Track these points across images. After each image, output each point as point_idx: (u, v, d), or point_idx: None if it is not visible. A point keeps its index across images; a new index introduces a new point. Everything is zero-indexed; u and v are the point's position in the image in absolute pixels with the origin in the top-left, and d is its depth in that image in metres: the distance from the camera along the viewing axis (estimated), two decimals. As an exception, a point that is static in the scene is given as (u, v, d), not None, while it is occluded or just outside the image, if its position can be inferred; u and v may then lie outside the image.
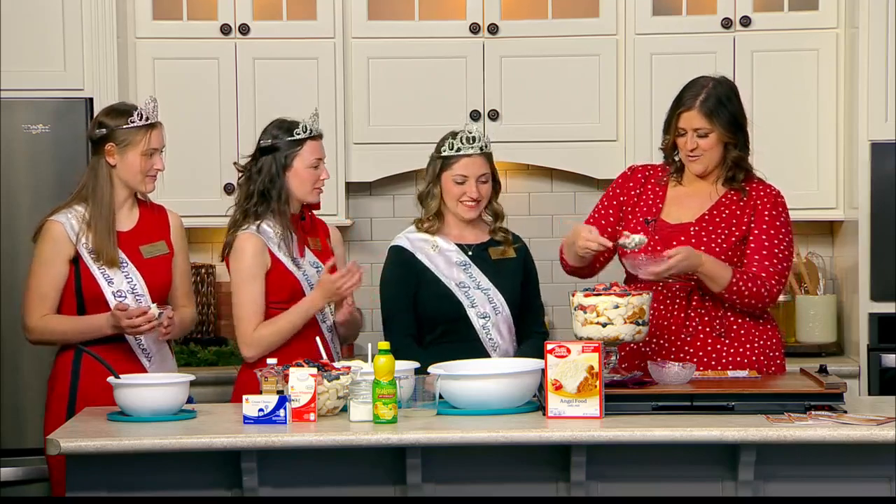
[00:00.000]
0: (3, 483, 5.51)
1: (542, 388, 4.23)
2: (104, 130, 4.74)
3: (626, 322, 4.32)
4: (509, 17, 5.95)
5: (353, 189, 6.15)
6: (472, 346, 4.79)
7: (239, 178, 4.97)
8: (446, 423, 4.12)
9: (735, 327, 4.68)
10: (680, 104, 4.71)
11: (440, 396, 4.24)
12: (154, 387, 4.30)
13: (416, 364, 4.41)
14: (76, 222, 4.72)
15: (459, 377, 4.27)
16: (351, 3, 5.92)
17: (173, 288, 4.85)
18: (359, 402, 4.17)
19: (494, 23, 5.93)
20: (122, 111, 4.78)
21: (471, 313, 4.85)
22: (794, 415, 4.13)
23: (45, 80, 5.63)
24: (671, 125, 4.73)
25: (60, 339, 4.74)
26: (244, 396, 4.18)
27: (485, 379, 4.27)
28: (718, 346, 4.66)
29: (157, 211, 4.90)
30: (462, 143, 4.86)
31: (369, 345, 4.34)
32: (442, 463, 4.07)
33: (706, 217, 4.71)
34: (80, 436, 4.06)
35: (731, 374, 4.54)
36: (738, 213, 4.71)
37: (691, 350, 4.65)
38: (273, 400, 4.13)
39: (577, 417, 4.12)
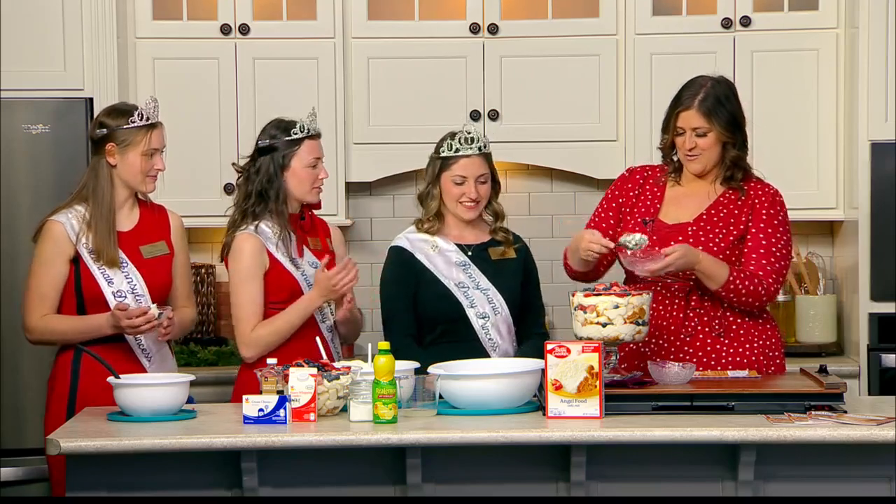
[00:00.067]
0: (3, 483, 5.51)
1: (542, 388, 4.23)
2: (105, 130, 4.74)
3: (626, 322, 4.32)
4: (509, 17, 5.95)
5: (353, 189, 6.15)
6: (471, 346, 4.79)
7: (238, 179, 4.97)
8: (446, 423, 4.12)
9: (734, 327, 4.68)
10: (678, 103, 4.71)
11: (440, 396, 4.24)
12: (154, 387, 4.30)
13: (416, 364, 4.41)
14: (76, 222, 4.72)
15: (459, 377, 4.27)
16: (351, 3, 5.92)
17: (173, 288, 4.85)
18: (359, 402, 4.17)
19: (494, 23, 5.93)
20: (122, 111, 4.78)
21: (470, 313, 4.85)
22: (794, 415, 4.13)
23: (45, 80, 5.62)
24: (670, 124, 4.73)
25: (60, 339, 4.74)
26: (244, 396, 4.18)
27: (485, 379, 4.27)
28: (718, 346, 4.67)
29: (158, 211, 4.90)
30: (461, 144, 4.86)
31: (369, 345, 4.34)
32: (442, 463, 4.07)
33: (704, 216, 4.71)
34: (80, 436, 4.06)
35: (731, 374, 4.54)
36: (736, 212, 4.71)
37: (691, 350, 4.66)
38: (273, 400, 4.13)
39: (577, 417, 4.12)
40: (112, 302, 4.69)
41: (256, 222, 4.84)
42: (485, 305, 4.86)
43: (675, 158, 4.79)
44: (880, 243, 5.60)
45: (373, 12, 5.95)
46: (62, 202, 4.81)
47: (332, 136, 5.83)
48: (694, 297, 4.68)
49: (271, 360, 4.35)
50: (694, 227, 4.70)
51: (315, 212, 5.02)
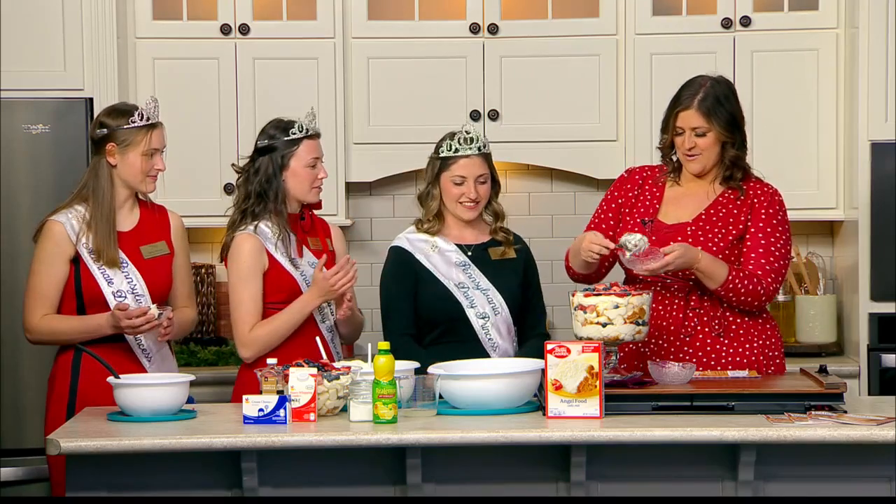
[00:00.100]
0: (3, 483, 5.51)
1: (542, 388, 4.23)
2: (105, 130, 4.74)
3: (626, 322, 4.33)
4: (509, 17, 5.95)
5: (353, 189, 6.15)
6: (471, 347, 4.79)
7: (238, 179, 4.97)
8: (446, 423, 4.12)
9: (734, 327, 4.68)
10: (678, 103, 4.71)
11: (440, 396, 4.24)
12: (154, 387, 4.30)
13: (416, 364, 4.41)
14: (76, 222, 4.72)
15: (459, 377, 4.27)
16: (351, 3, 5.92)
17: (174, 288, 4.85)
18: (359, 402, 4.17)
19: (494, 23, 5.93)
20: (123, 111, 4.79)
21: (470, 314, 4.85)
22: (794, 415, 4.13)
23: (45, 80, 5.62)
24: (669, 124, 4.73)
25: (60, 339, 4.74)
26: (244, 396, 4.18)
27: (485, 379, 4.27)
28: (718, 346, 4.67)
29: (158, 211, 4.90)
30: (460, 144, 4.86)
31: (369, 345, 4.34)
32: (442, 463, 4.07)
33: (703, 216, 4.71)
34: (80, 436, 4.06)
35: (731, 374, 4.54)
36: (736, 211, 4.71)
37: (690, 350, 4.66)
38: (273, 400, 4.13)
39: (577, 417, 4.12)
40: (112, 302, 4.69)
41: (256, 222, 4.84)
42: (485, 306, 4.86)
43: (674, 158, 4.80)
44: (880, 243, 5.60)
45: (373, 12, 5.95)
46: (62, 202, 4.81)
47: (332, 136, 5.83)
48: (693, 297, 4.69)
49: (271, 360, 4.35)
50: (693, 227, 4.70)
51: (315, 212, 5.02)
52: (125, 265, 4.74)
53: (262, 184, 4.85)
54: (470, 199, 4.87)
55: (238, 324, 4.80)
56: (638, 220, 4.74)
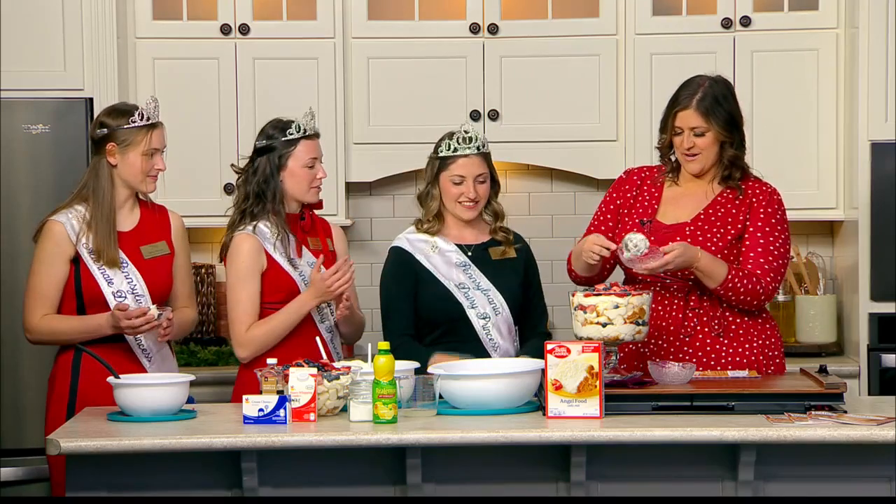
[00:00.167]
0: (3, 483, 5.51)
1: (542, 388, 4.23)
2: (105, 130, 4.74)
3: (626, 322, 4.33)
4: (509, 17, 5.95)
5: (353, 189, 6.15)
6: (472, 347, 4.79)
7: (237, 180, 4.97)
8: (446, 423, 4.12)
9: (734, 327, 4.69)
10: (676, 103, 4.71)
11: (440, 396, 4.24)
12: (154, 387, 4.30)
13: (416, 364, 4.41)
14: (77, 222, 4.72)
15: (459, 377, 4.27)
16: (351, 3, 5.92)
17: (174, 288, 4.85)
18: (359, 402, 4.17)
19: (494, 23, 5.93)
20: (123, 111, 4.79)
21: (471, 314, 4.85)
22: (794, 415, 4.13)
23: (45, 80, 5.62)
24: (668, 124, 4.74)
25: (61, 339, 4.74)
26: (244, 396, 4.18)
27: (485, 379, 4.27)
28: (717, 346, 4.67)
29: (159, 211, 4.90)
30: (459, 144, 4.86)
31: (369, 345, 4.34)
32: (442, 463, 4.07)
33: (702, 216, 4.71)
34: (80, 436, 4.05)
35: (731, 374, 4.54)
36: (734, 211, 4.71)
37: (690, 350, 4.66)
38: (273, 400, 4.13)
39: (577, 417, 4.12)
40: (112, 302, 4.69)
41: (255, 222, 4.84)
42: (485, 306, 4.86)
43: (672, 158, 4.80)
44: (880, 243, 5.60)
45: (373, 12, 5.95)
46: (62, 202, 4.81)
47: (332, 136, 5.84)
48: (693, 297, 4.69)
49: (271, 360, 4.35)
50: (692, 227, 4.70)
51: (315, 212, 5.02)
52: (125, 265, 4.74)
53: (260, 184, 4.85)
54: (469, 199, 4.86)
55: (235, 324, 4.81)
56: (637, 220, 4.74)
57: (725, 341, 4.67)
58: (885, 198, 5.58)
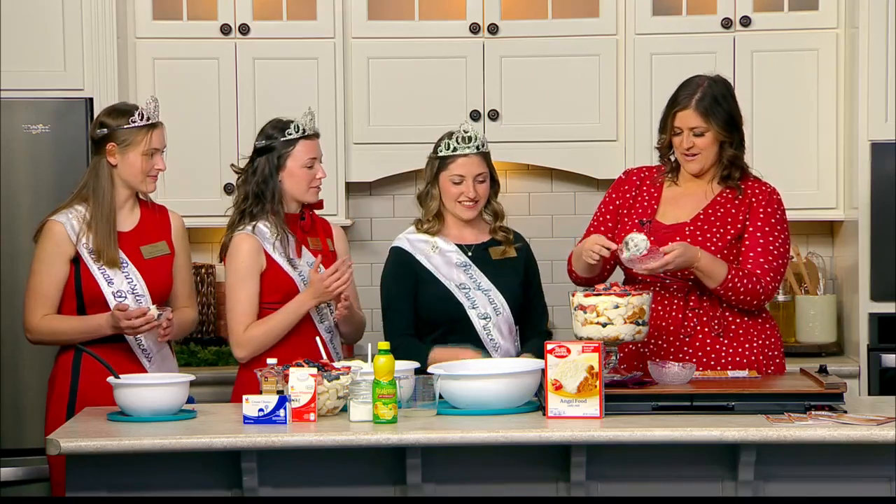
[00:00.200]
0: (3, 483, 5.51)
1: (542, 388, 4.23)
2: (105, 130, 4.74)
3: (626, 322, 4.32)
4: (509, 17, 5.95)
5: (353, 189, 6.15)
6: (473, 347, 4.78)
7: (237, 180, 4.97)
8: (446, 423, 4.12)
9: (734, 327, 4.69)
10: (675, 103, 4.71)
11: (440, 396, 4.24)
12: (154, 387, 4.30)
13: (416, 364, 4.41)
14: (77, 222, 4.72)
15: (459, 377, 4.27)
16: (351, 3, 5.92)
17: (174, 289, 4.85)
18: (359, 402, 4.17)
19: (494, 23, 5.93)
20: (123, 111, 4.79)
21: (471, 314, 4.84)
22: (794, 415, 4.13)
23: (45, 80, 5.62)
24: (667, 124, 4.74)
25: (61, 339, 4.74)
26: (244, 396, 4.18)
27: (485, 379, 4.27)
28: (717, 346, 4.67)
29: (159, 211, 4.90)
30: (458, 143, 4.86)
31: (369, 345, 4.34)
32: (442, 463, 4.07)
33: (701, 216, 4.71)
34: (80, 436, 4.05)
35: (731, 374, 4.54)
36: (734, 211, 4.71)
37: (690, 350, 4.66)
38: (273, 400, 4.13)
39: (577, 417, 4.12)
40: (112, 302, 4.69)
41: (254, 223, 4.84)
42: (486, 306, 4.86)
43: (672, 158, 4.80)
44: (880, 243, 5.60)
45: (373, 12, 5.95)
46: (62, 202, 4.81)
47: (332, 136, 5.84)
48: (693, 297, 4.69)
49: (271, 360, 4.35)
50: (691, 227, 4.70)
51: (316, 212, 5.02)
52: (125, 265, 4.74)
53: (259, 184, 4.86)
54: (469, 199, 4.86)
55: (233, 323, 4.81)
56: (636, 220, 4.74)
57: (725, 341, 4.67)
58: (885, 198, 5.58)
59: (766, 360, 4.70)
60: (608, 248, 4.55)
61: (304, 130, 4.87)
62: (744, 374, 4.53)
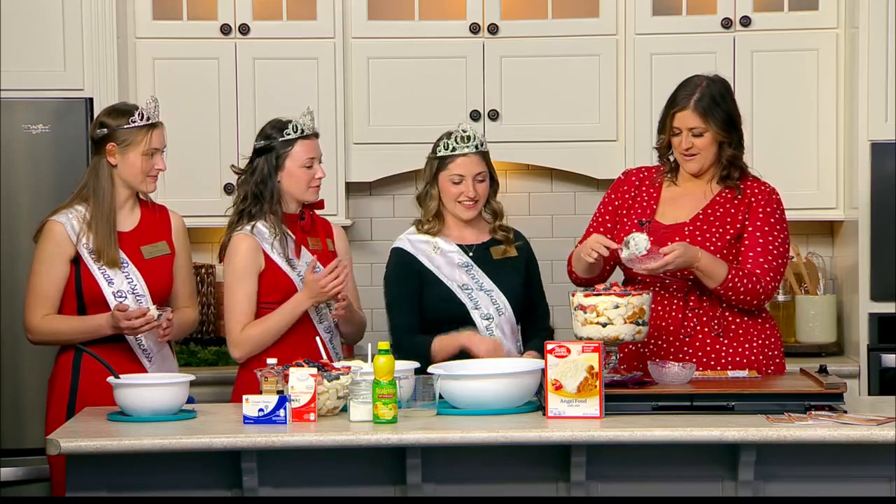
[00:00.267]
0: (3, 483, 5.51)
1: (542, 387, 4.23)
2: (105, 130, 4.74)
3: (626, 322, 4.33)
4: (509, 17, 5.95)
5: (353, 189, 6.15)
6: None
7: (238, 180, 4.98)
8: (446, 423, 4.12)
9: (734, 327, 4.69)
10: (674, 104, 4.71)
11: (440, 396, 4.24)
12: (154, 387, 4.30)
13: (416, 364, 4.41)
14: (77, 222, 4.72)
15: (459, 377, 4.27)
16: (351, 3, 5.92)
17: (175, 289, 4.85)
18: (359, 402, 4.17)
19: (494, 23, 5.93)
20: (123, 111, 4.79)
21: (474, 315, 4.84)
22: (794, 415, 4.13)
23: (45, 80, 5.62)
24: (665, 125, 4.74)
25: (61, 340, 4.74)
26: (244, 396, 4.18)
27: (485, 379, 4.27)
28: (717, 346, 4.67)
29: (159, 211, 4.90)
30: (457, 143, 4.86)
31: (369, 345, 4.34)
32: (442, 463, 4.07)
33: (700, 216, 4.71)
34: (80, 436, 4.05)
35: (731, 374, 4.54)
36: (733, 211, 4.71)
37: (690, 350, 4.66)
38: (273, 400, 4.13)
39: (577, 417, 4.12)
40: (112, 302, 4.69)
41: (253, 223, 4.84)
42: (489, 307, 4.85)
43: (671, 158, 4.80)
44: (880, 243, 5.60)
45: (373, 12, 5.95)
46: (62, 202, 4.81)
47: (332, 136, 5.84)
48: (693, 297, 4.69)
49: (271, 360, 4.35)
50: (691, 227, 4.70)
51: (316, 211, 5.02)
52: (125, 265, 4.74)
53: (258, 184, 4.86)
54: (469, 198, 4.86)
55: (231, 323, 4.81)
56: (636, 221, 4.74)
57: (725, 341, 4.67)
58: (885, 198, 5.58)
59: (766, 360, 4.70)
60: (608, 248, 4.55)
61: (302, 130, 4.87)
62: (744, 374, 4.53)
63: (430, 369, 4.31)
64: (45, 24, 5.62)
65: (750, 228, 4.69)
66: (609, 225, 4.81)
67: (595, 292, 4.37)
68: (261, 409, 4.13)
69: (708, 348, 4.66)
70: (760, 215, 4.69)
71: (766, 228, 4.68)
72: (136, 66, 5.84)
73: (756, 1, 5.87)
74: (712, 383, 4.38)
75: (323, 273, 4.77)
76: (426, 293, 4.86)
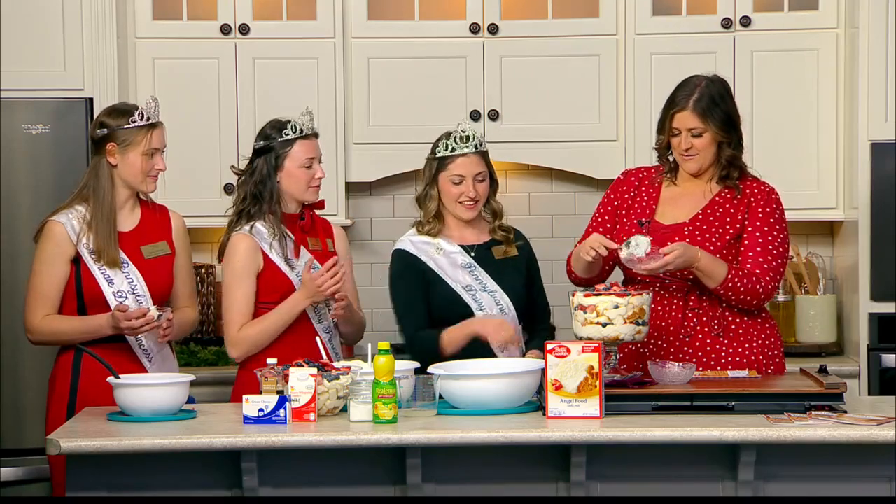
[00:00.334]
0: (3, 483, 5.51)
1: (542, 387, 4.23)
2: (105, 130, 4.74)
3: (626, 322, 4.33)
4: (509, 17, 5.95)
5: (353, 189, 6.15)
6: (478, 347, 4.77)
7: (238, 180, 4.98)
8: (446, 423, 4.12)
9: (733, 327, 4.69)
10: (673, 104, 4.71)
11: (440, 396, 4.24)
12: (154, 387, 4.30)
13: (416, 364, 4.41)
14: (77, 223, 4.72)
15: (459, 377, 4.27)
16: (351, 3, 5.92)
17: (175, 288, 4.85)
18: (359, 402, 4.17)
19: (494, 23, 5.93)
20: (123, 111, 4.79)
21: (479, 316, 4.83)
22: (794, 415, 4.13)
23: (45, 80, 5.62)
24: (665, 125, 4.74)
25: (62, 340, 4.74)
26: (244, 396, 4.18)
27: (485, 379, 4.27)
28: (717, 346, 4.67)
29: (160, 211, 4.90)
30: (456, 143, 4.85)
31: (369, 345, 4.34)
32: (442, 463, 4.07)
33: (700, 216, 4.71)
34: (80, 436, 4.05)
35: (731, 374, 4.54)
36: (732, 211, 4.71)
37: (690, 350, 4.66)
38: (273, 400, 4.13)
39: (577, 417, 4.12)
40: (113, 302, 4.69)
41: (252, 223, 4.84)
42: (493, 307, 4.85)
43: (670, 158, 4.80)
44: (880, 243, 5.60)
45: (373, 12, 5.95)
46: (62, 202, 4.81)
47: (332, 136, 5.84)
48: (692, 297, 4.69)
49: (271, 360, 4.35)
50: (690, 227, 4.70)
51: (316, 212, 5.02)
52: (126, 265, 4.74)
53: (257, 185, 4.86)
54: (469, 198, 4.86)
55: (228, 323, 4.81)
56: (635, 221, 4.74)
57: (725, 341, 4.67)
58: (885, 198, 5.58)
59: (766, 360, 4.70)
60: (607, 248, 4.55)
61: (301, 130, 4.87)
62: (744, 374, 4.53)
63: (430, 369, 4.30)
64: (45, 24, 5.62)
65: (749, 228, 4.69)
66: (608, 225, 4.81)
67: (595, 292, 4.37)
68: (261, 409, 4.13)
69: (708, 348, 4.66)
70: (760, 215, 4.69)
71: (766, 228, 4.68)
72: (136, 66, 5.84)
73: (756, 1, 5.87)
74: (712, 383, 4.38)
75: (320, 272, 4.77)
76: (431, 294, 4.85)
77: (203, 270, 6.02)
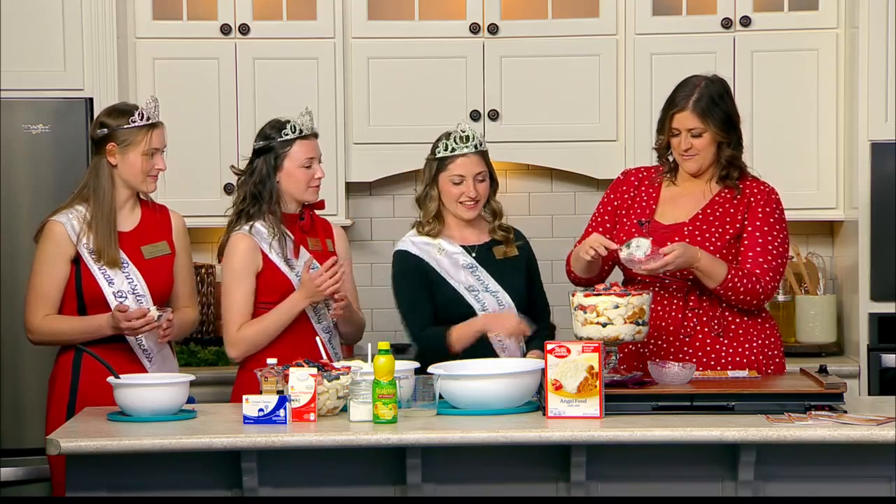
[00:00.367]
0: (3, 483, 5.51)
1: (542, 387, 4.23)
2: (105, 130, 4.74)
3: (626, 322, 4.33)
4: (509, 17, 5.95)
5: (353, 189, 6.15)
6: (480, 347, 4.78)
7: (238, 180, 4.98)
8: (446, 423, 4.12)
9: (733, 327, 4.69)
10: (673, 105, 4.71)
11: (440, 396, 4.24)
12: (154, 387, 4.30)
13: (416, 364, 4.41)
14: (77, 223, 4.72)
15: (459, 377, 4.27)
16: (351, 3, 5.92)
17: (175, 288, 4.85)
18: (359, 402, 4.17)
19: (494, 23, 5.93)
20: (123, 111, 4.79)
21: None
22: (794, 415, 4.13)
23: (45, 80, 5.62)
24: (664, 126, 4.74)
25: (62, 340, 4.74)
26: (244, 396, 4.18)
27: (485, 379, 4.27)
28: (717, 346, 4.67)
29: (160, 211, 4.90)
30: (456, 143, 4.85)
31: (369, 345, 4.34)
32: (442, 463, 4.07)
33: (700, 216, 4.71)
34: (80, 436, 4.06)
35: (731, 374, 4.54)
36: (732, 211, 4.71)
37: (690, 350, 4.66)
38: (273, 400, 4.13)
39: (577, 417, 4.12)
40: (113, 302, 4.69)
41: (251, 223, 4.84)
42: (495, 308, 4.85)
43: (670, 158, 4.80)
44: (880, 243, 5.60)
45: (373, 12, 5.95)
46: (63, 202, 4.81)
47: (332, 136, 5.84)
48: (692, 297, 4.69)
49: (271, 360, 4.35)
50: (690, 227, 4.70)
51: (316, 212, 5.01)
52: (126, 265, 4.74)
53: (256, 185, 4.85)
54: (470, 198, 4.86)
55: (227, 323, 4.81)
56: (635, 221, 4.74)
57: (725, 341, 4.68)
58: (885, 198, 5.58)
59: (766, 360, 4.70)
60: (607, 248, 4.55)
61: (300, 130, 4.87)
62: (744, 374, 4.53)
63: (430, 369, 4.30)
64: (45, 24, 5.62)
65: (749, 228, 4.69)
66: (608, 225, 4.81)
67: (595, 292, 4.37)
68: (261, 409, 4.13)
69: (708, 348, 4.66)
70: (760, 215, 4.69)
71: (766, 228, 4.68)
72: (136, 66, 5.84)
73: (756, 1, 5.87)
74: (712, 383, 4.38)
75: (319, 272, 4.77)
76: (434, 295, 4.85)
77: (203, 270, 6.02)
